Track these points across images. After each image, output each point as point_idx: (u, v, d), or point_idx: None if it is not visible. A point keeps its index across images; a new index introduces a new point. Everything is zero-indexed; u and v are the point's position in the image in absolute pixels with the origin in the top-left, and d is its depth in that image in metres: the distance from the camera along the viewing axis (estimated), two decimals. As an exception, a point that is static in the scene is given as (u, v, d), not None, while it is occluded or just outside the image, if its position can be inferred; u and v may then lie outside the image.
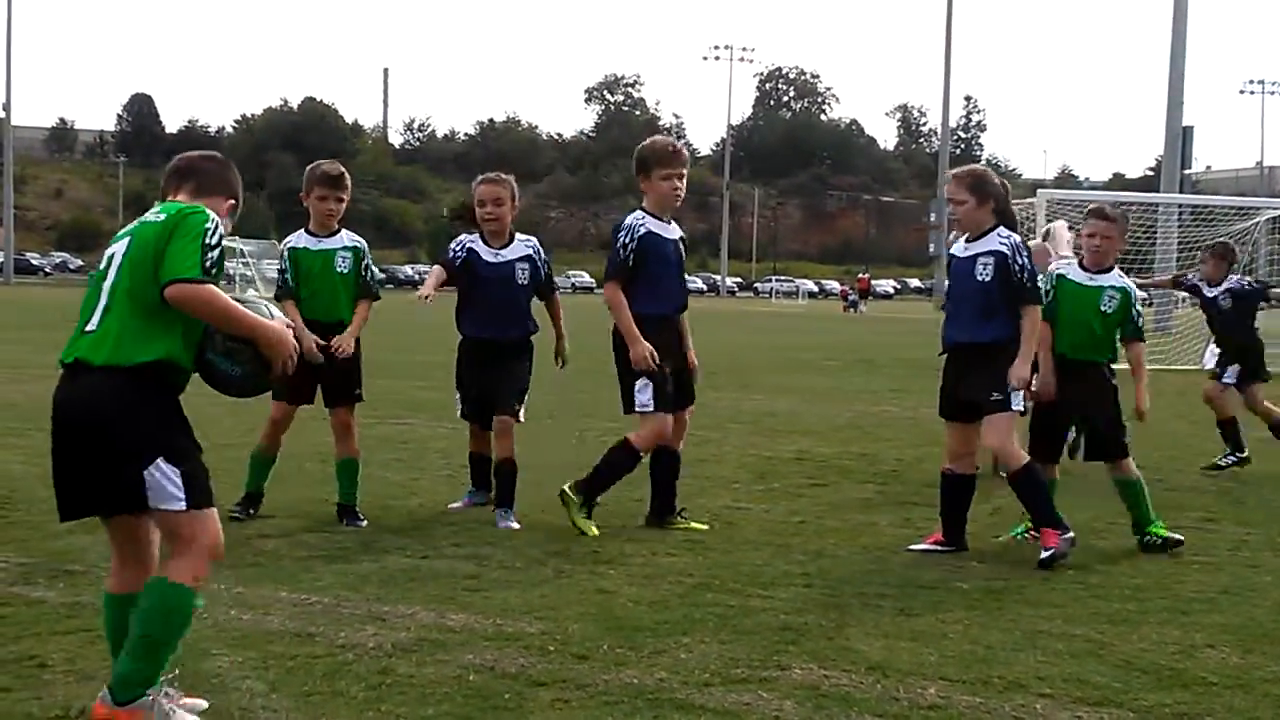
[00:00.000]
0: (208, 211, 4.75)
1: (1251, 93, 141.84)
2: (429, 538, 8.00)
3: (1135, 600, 6.80)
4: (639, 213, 8.53)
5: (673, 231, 8.65)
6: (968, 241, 8.10)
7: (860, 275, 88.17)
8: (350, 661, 5.45)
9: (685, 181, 8.63)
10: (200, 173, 5.04)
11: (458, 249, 8.81)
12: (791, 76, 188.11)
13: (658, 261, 8.44)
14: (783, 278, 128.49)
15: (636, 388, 8.36)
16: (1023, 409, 8.00)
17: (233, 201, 5.10)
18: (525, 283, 8.77)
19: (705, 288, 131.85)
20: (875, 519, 8.92)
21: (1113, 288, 8.37)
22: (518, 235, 8.85)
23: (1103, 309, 8.32)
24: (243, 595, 6.45)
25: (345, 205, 8.77)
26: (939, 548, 7.97)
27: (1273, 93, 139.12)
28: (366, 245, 8.83)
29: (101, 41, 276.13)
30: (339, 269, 8.58)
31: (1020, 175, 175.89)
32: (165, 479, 4.58)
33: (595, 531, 8.19)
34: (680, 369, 8.59)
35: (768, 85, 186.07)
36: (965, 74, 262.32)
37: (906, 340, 38.10)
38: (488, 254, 8.75)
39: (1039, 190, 28.26)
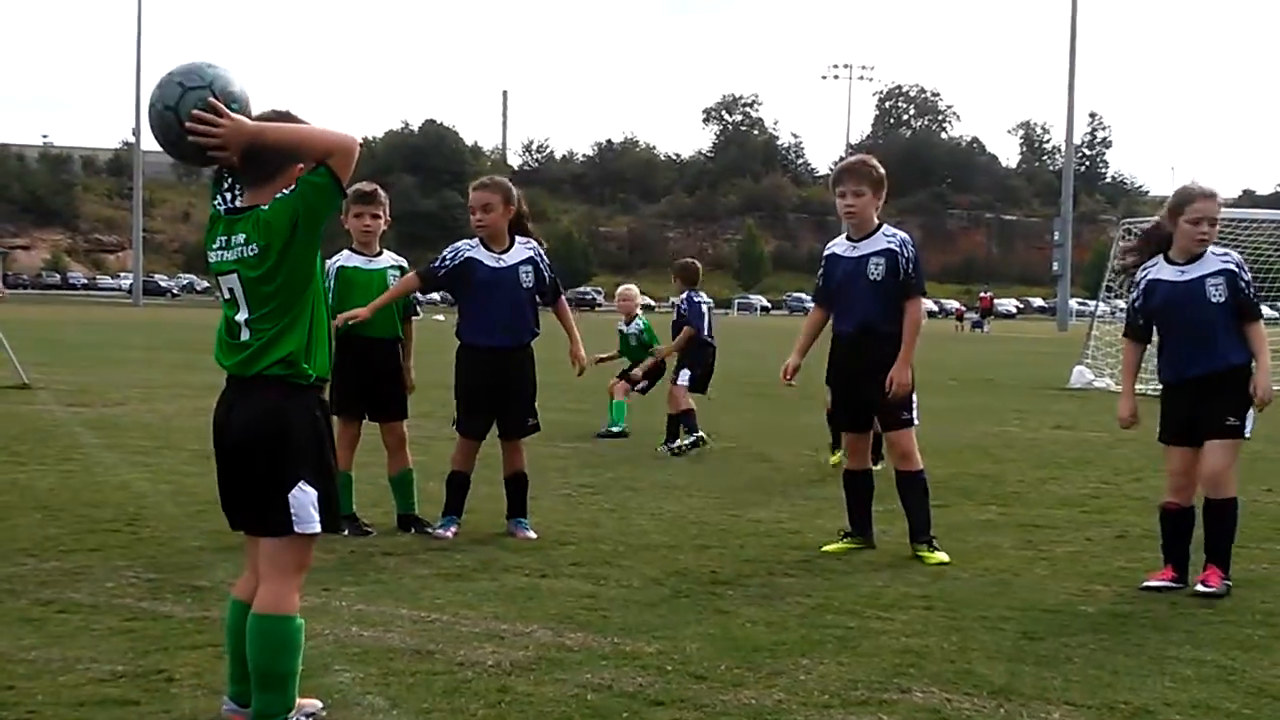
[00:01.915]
0: None
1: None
2: (547, 557, 8.02)
3: (1267, 626, 6.64)
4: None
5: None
6: (1186, 263, 7.48)
7: (982, 294, 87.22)
8: (469, 679, 5.47)
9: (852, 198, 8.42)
10: None
11: (450, 257, 8.69)
12: (911, 94, 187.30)
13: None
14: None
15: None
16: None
17: None
18: (530, 286, 8.72)
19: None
20: (997, 541, 8.81)
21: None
22: (518, 239, 8.76)
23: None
24: (363, 612, 6.52)
25: (382, 223, 8.98)
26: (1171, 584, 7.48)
27: None
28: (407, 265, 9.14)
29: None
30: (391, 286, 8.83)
31: (1147, 193, 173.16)
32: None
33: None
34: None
35: (887, 104, 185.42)
36: (1089, 90, 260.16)
37: (1028, 359, 37.63)
38: (489, 259, 8.67)
39: (1164, 207, 27.74)
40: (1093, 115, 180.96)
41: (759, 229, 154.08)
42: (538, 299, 8.80)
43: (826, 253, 8.62)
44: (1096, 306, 31.49)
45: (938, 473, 12.20)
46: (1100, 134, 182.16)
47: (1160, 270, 7.59)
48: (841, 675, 5.62)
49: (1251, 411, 7.38)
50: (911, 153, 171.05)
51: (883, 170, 8.46)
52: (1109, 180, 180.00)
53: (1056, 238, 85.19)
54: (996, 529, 9.32)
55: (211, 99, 4.49)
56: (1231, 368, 7.39)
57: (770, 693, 5.37)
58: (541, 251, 8.85)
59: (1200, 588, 7.30)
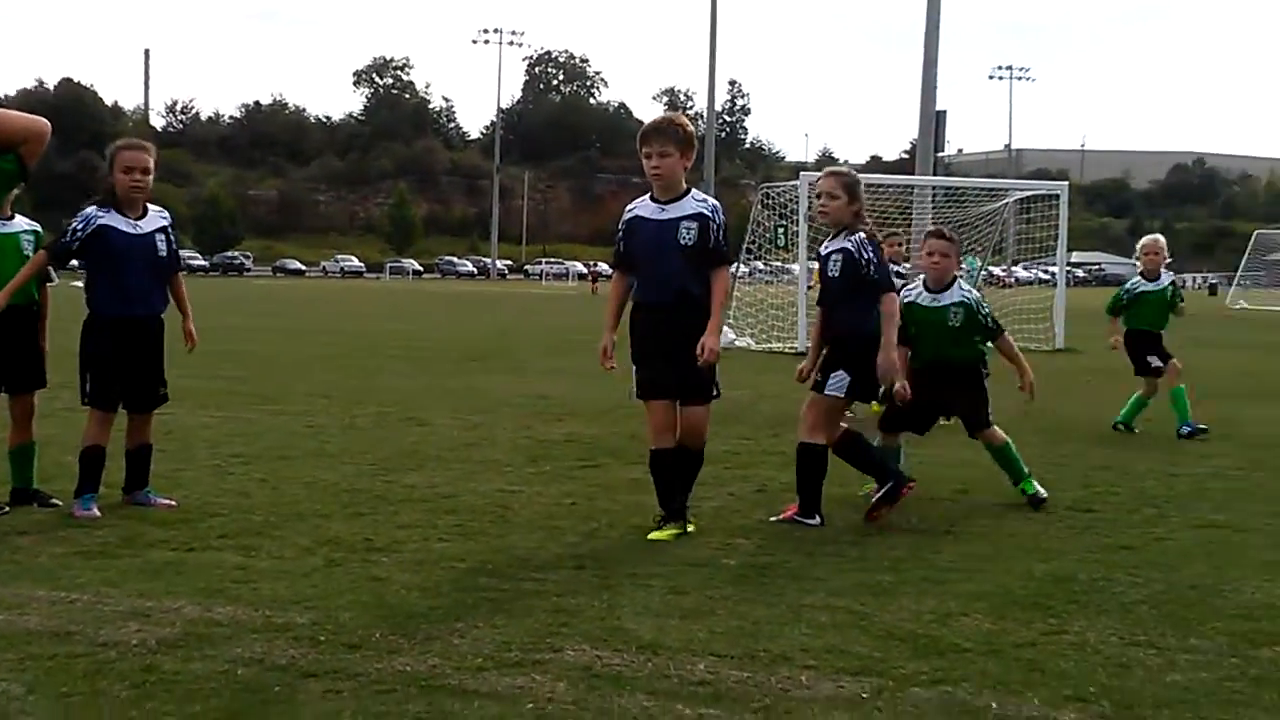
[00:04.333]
0: None
1: (1000, 78, 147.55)
2: (194, 530, 7.83)
3: (893, 572, 7.03)
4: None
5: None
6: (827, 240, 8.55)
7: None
8: (112, 660, 5.31)
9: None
10: None
11: (81, 227, 8.27)
12: (561, 60, 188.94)
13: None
14: (553, 260, 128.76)
15: None
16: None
17: None
18: (165, 255, 8.48)
19: (475, 271, 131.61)
20: (645, 499, 9.01)
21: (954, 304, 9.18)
22: (151, 207, 8.49)
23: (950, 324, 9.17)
24: (-2, 595, 6.25)
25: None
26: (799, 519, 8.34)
27: (1020, 78, 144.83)
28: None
29: None
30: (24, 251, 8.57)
31: (783, 158, 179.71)
32: None
33: None
34: None
35: (537, 69, 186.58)
36: (729, 58, 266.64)
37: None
38: (125, 225, 8.33)
39: (801, 173, 28.84)
40: (733, 83, 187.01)
41: (411, 193, 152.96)
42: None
43: (628, 215, 8.11)
44: (737, 268, 32.49)
45: (588, 433, 12.45)
46: (740, 101, 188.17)
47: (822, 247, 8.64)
48: (495, 638, 5.69)
49: (843, 373, 8.30)
50: (561, 118, 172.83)
51: (691, 129, 8.04)
52: (749, 146, 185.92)
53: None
54: (643, 487, 9.50)
55: None
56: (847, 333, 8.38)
57: (425, 658, 5.39)
58: (170, 221, 8.61)
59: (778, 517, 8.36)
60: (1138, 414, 13.37)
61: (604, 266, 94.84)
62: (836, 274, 8.34)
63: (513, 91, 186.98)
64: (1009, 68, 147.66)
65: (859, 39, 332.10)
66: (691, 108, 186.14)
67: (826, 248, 8.52)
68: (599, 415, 13.97)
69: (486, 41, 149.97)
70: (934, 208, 34.07)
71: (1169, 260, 13.86)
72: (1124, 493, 9.62)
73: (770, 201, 29.77)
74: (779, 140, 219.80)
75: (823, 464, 8.35)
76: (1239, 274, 70.22)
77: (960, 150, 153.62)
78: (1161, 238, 14.22)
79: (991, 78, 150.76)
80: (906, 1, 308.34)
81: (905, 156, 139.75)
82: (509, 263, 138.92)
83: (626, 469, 10.36)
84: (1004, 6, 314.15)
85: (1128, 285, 13.86)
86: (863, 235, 8.32)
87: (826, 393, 8.28)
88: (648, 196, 8.09)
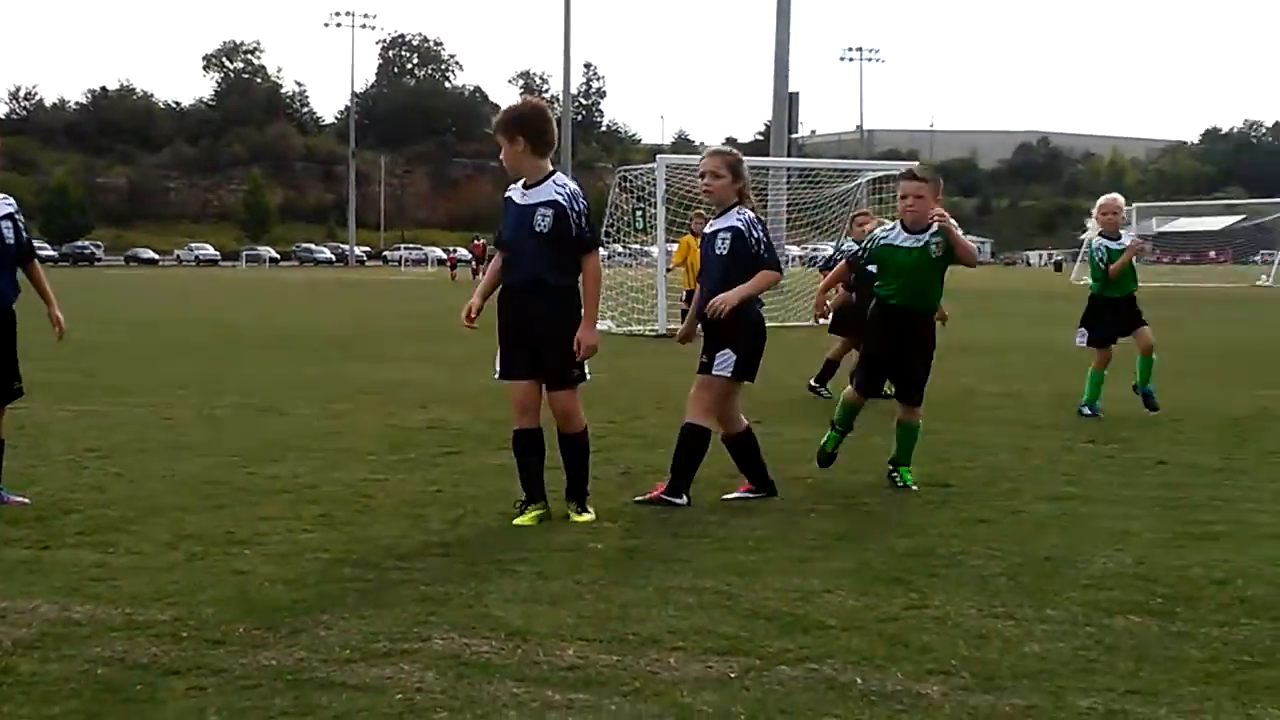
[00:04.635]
0: None
1: (851, 60, 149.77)
2: (49, 527, 7.66)
3: (758, 551, 7.10)
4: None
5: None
6: (715, 217, 8.57)
7: (475, 241, 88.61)
8: (-32, 663, 5.19)
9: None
10: None
11: None
12: (415, 43, 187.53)
13: None
14: (411, 245, 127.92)
15: None
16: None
17: None
18: (13, 244, 8.26)
19: (334, 258, 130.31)
20: (510, 484, 9.00)
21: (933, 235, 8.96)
22: None
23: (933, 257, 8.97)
24: None
25: None
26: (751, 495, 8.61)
27: (870, 60, 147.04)
28: None
29: None
30: None
31: (640, 140, 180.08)
32: None
33: None
34: None
35: (391, 53, 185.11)
36: (585, 41, 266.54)
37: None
38: None
39: (658, 155, 28.95)
40: (588, 66, 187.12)
41: (265, 179, 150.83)
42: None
43: (506, 195, 8.15)
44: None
45: (451, 419, 12.40)
46: (596, 84, 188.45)
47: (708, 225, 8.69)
48: (363, 628, 5.65)
49: (729, 352, 8.34)
50: (417, 102, 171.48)
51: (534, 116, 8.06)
52: (605, 129, 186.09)
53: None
54: (509, 473, 9.49)
55: None
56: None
57: (291, 652, 5.34)
58: (18, 207, 8.39)
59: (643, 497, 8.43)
60: (1149, 372, 12.90)
61: (463, 252, 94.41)
62: (725, 251, 8.33)
63: (367, 76, 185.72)
64: (859, 49, 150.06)
65: (713, 21, 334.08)
66: (547, 90, 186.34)
67: (713, 226, 8.53)
68: (462, 401, 13.92)
69: (339, 25, 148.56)
70: (789, 189, 34.48)
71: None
72: (979, 468, 9.82)
73: (628, 184, 29.84)
74: (635, 123, 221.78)
75: (704, 447, 8.41)
76: (1083, 251, 71.79)
77: (814, 131, 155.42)
78: (1120, 197, 13.63)
79: (842, 59, 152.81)
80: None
81: (760, 138, 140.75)
82: (367, 249, 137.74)
83: (491, 455, 10.34)
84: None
85: (1096, 246, 13.11)
86: (751, 214, 8.40)
87: (715, 373, 8.32)
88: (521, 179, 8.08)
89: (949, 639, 5.53)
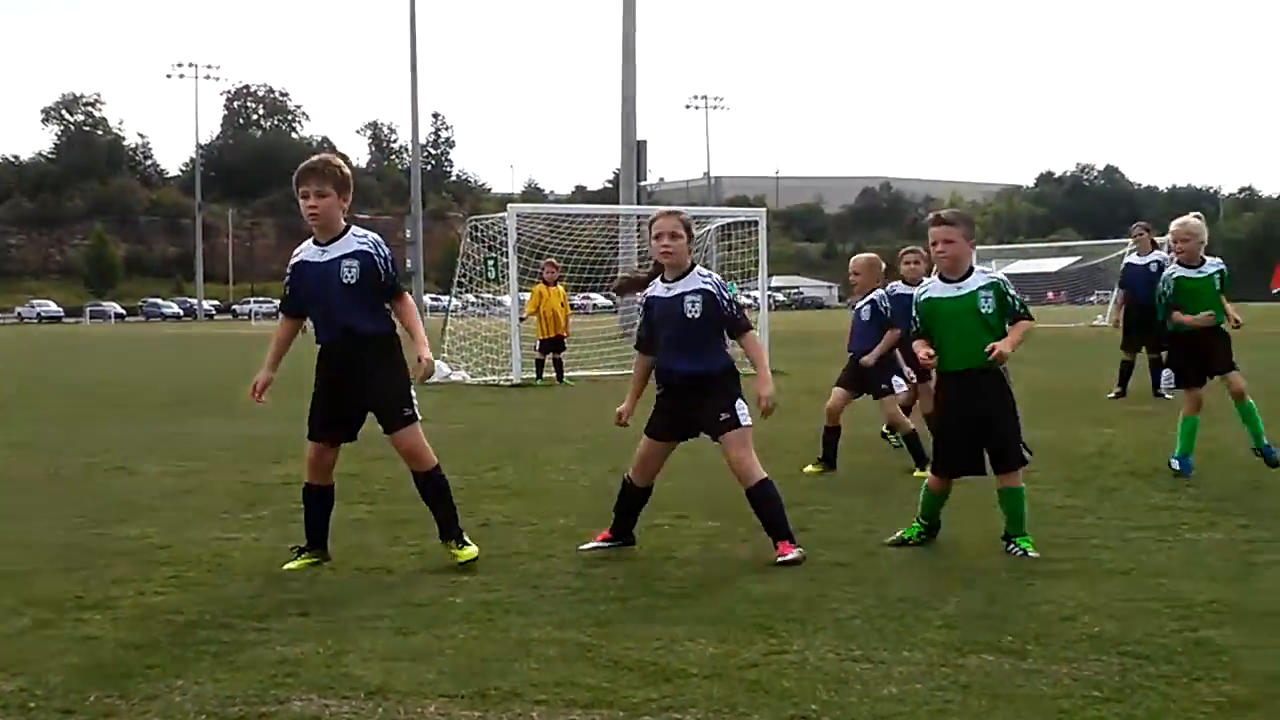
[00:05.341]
0: None
1: (697, 107, 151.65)
2: (-112, 597, 7.42)
3: (619, 601, 7.12)
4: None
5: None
6: (671, 281, 8.36)
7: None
8: None
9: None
10: None
11: None
12: (260, 94, 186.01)
13: None
14: (262, 299, 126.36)
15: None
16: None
17: None
18: None
19: (181, 312, 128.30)
20: (368, 539, 8.95)
21: (983, 288, 8.35)
22: None
23: (982, 311, 8.29)
24: None
25: None
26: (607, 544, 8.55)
27: (715, 107, 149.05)
28: None
29: None
30: None
31: (490, 190, 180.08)
32: None
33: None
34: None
35: (236, 104, 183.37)
36: (432, 91, 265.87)
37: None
38: None
39: (509, 204, 28.98)
40: (436, 115, 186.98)
41: (109, 233, 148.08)
42: None
43: (294, 261, 8.09)
44: (450, 302, 32.41)
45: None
46: (444, 134, 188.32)
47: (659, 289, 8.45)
48: (218, 692, 5.56)
49: (740, 402, 8.27)
50: (264, 153, 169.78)
51: (347, 170, 8.04)
52: (454, 179, 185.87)
53: (409, 235, 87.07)
54: (367, 527, 9.46)
55: None
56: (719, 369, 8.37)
57: (144, 718, 5.24)
58: None
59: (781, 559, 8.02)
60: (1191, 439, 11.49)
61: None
62: (697, 315, 8.22)
63: (211, 127, 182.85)
64: (704, 97, 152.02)
65: (560, 71, 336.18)
66: (396, 141, 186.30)
67: (674, 289, 8.32)
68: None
69: (181, 76, 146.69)
70: (639, 236, 34.70)
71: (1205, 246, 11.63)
72: (834, 510, 9.95)
73: (479, 234, 29.79)
74: (485, 172, 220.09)
75: (777, 493, 8.34)
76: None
77: (662, 179, 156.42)
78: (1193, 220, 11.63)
79: (688, 107, 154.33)
80: (604, 33, 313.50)
81: (609, 185, 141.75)
82: (216, 303, 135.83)
83: (348, 509, 10.20)
84: (698, 37, 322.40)
85: (1168, 273, 11.62)
86: (717, 276, 8.45)
87: (743, 425, 8.25)
88: (310, 240, 8.07)
89: (809, 683, 5.59)
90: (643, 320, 8.59)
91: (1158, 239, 19.57)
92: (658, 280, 8.52)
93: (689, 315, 8.26)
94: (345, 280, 7.83)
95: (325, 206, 7.88)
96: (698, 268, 8.45)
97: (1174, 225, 11.66)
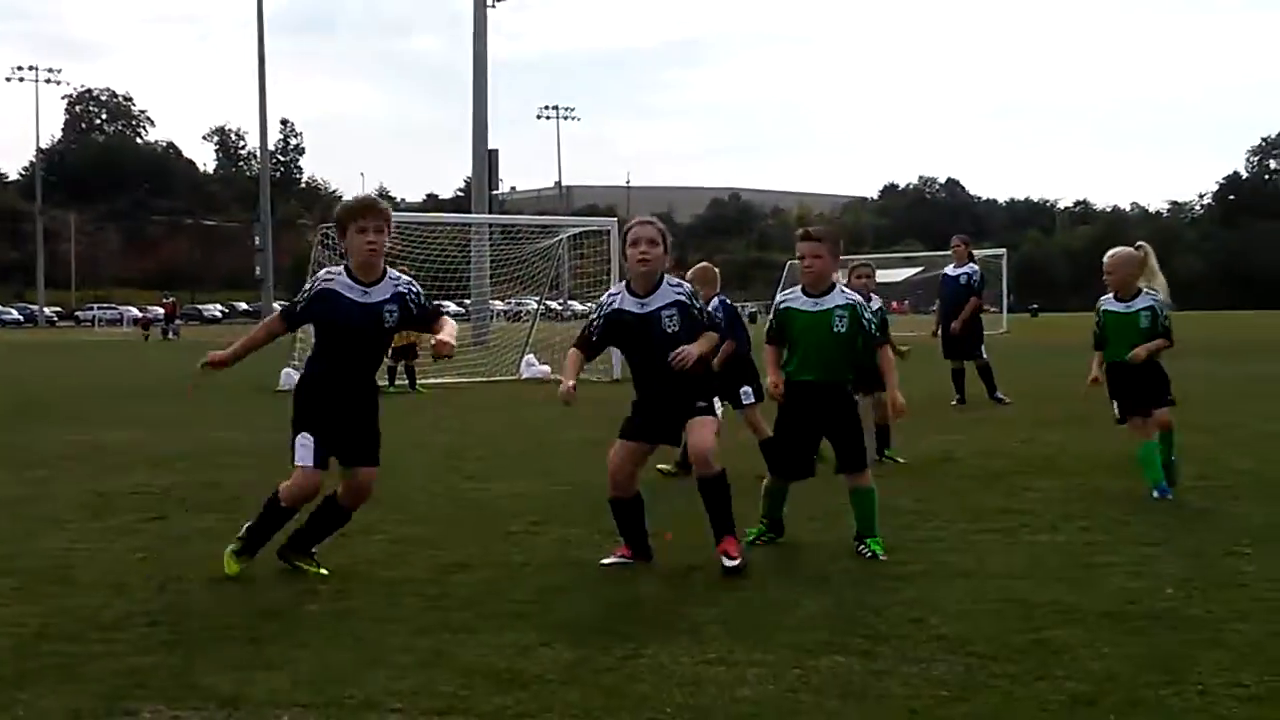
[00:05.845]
0: None
1: (548, 118, 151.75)
2: None
3: (473, 608, 7.10)
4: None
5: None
6: (644, 297, 8.22)
7: (164, 300, 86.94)
8: None
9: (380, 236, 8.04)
10: None
11: None
12: (103, 99, 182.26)
13: None
14: (106, 305, 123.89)
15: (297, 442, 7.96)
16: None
17: None
18: None
19: (22, 319, 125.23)
20: (218, 548, 8.80)
21: (839, 307, 8.56)
22: None
23: (834, 329, 8.52)
24: None
25: None
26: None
27: (566, 118, 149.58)
28: None
29: None
30: None
31: (341, 196, 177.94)
32: None
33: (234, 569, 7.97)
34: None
35: (78, 108, 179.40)
36: (281, 97, 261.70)
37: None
38: None
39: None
40: (285, 122, 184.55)
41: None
42: None
43: (323, 287, 8.04)
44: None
45: (156, 483, 12.04)
46: (293, 140, 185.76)
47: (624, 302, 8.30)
48: (64, 706, 5.45)
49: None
50: (107, 158, 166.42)
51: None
52: (304, 185, 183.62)
53: (258, 243, 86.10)
54: (218, 537, 9.27)
55: None
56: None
57: (-12, 732, 5.13)
58: None
59: (728, 563, 7.98)
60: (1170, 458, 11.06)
61: (158, 310, 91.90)
62: (676, 329, 8.11)
63: (53, 131, 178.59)
64: (555, 107, 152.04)
65: (411, 78, 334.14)
66: (244, 147, 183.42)
67: (649, 305, 8.18)
68: (167, 464, 13.53)
69: (21, 79, 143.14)
70: (491, 245, 34.67)
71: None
72: (691, 515, 10.00)
73: (330, 241, 29.44)
74: (335, 179, 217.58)
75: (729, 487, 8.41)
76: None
77: (514, 188, 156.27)
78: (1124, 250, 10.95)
79: (540, 117, 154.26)
80: (455, 41, 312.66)
81: (461, 194, 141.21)
82: (58, 309, 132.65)
83: (198, 518, 10.09)
84: (549, 47, 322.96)
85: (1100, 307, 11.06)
86: (687, 285, 8.34)
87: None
88: (343, 271, 8.09)
89: (664, 687, 5.64)
90: (600, 328, 8.36)
91: (974, 252, 21.05)
92: (624, 291, 8.36)
93: (669, 331, 8.14)
94: (388, 324, 8.03)
95: (382, 245, 7.99)
96: (667, 278, 8.32)
97: (1106, 255, 10.87)
